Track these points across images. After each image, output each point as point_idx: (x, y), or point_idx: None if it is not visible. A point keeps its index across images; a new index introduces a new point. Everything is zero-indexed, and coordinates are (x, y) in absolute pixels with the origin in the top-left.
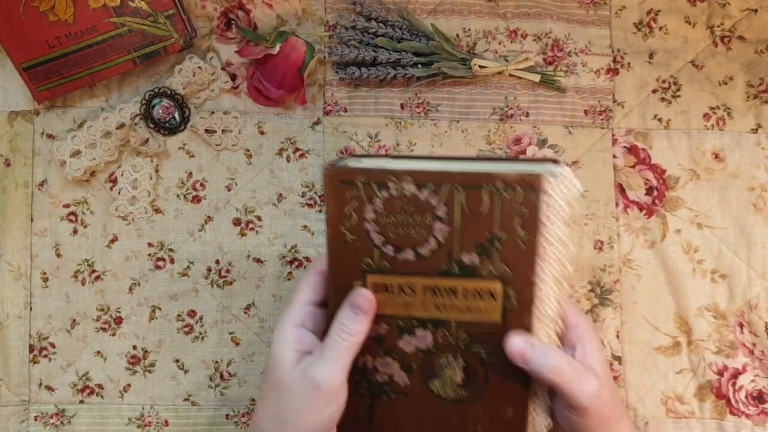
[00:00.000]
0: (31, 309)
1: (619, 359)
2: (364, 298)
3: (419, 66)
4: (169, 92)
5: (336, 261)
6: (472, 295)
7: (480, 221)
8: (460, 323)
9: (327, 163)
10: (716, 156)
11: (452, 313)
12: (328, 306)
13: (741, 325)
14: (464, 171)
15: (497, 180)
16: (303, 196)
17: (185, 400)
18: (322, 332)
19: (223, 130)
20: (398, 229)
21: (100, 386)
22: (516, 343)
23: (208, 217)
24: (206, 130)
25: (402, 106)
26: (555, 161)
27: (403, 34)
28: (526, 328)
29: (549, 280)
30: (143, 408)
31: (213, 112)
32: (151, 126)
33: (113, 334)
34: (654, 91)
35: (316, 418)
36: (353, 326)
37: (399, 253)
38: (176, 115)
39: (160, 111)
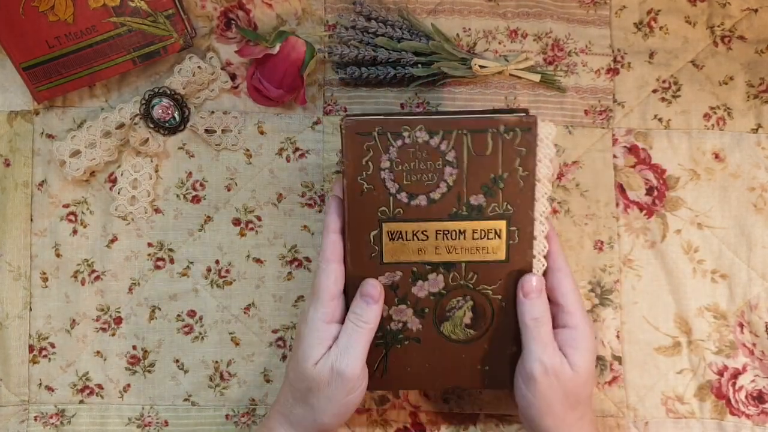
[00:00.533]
0: (30, 309)
1: (619, 359)
2: (373, 287)
3: (419, 66)
4: (168, 92)
5: (353, 212)
6: (479, 235)
7: (485, 163)
8: (469, 264)
9: (344, 116)
10: (716, 156)
11: (462, 255)
12: (345, 258)
13: (741, 325)
14: (470, 118)
15: (500, 124)
16: (303, 196)
17: (185, 400)
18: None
19: (222, 130)
20: (412, 176)
21: (100, 386)
22: (531, 279)
23: (208, 217)
24: (206, 130)
25: (402, 105)
26: (525, 110)
27: (403, 33)
28: (528, 263)
29: (540, 217)
30: (143, 408)
31: (213, 112)
32: (151, 126)
33: (113, 334)
34: (654, 91)
35: (342, 404)
36: (366, 315)
37: (412, 200)
38: (176, 115)
39: (160, 111)
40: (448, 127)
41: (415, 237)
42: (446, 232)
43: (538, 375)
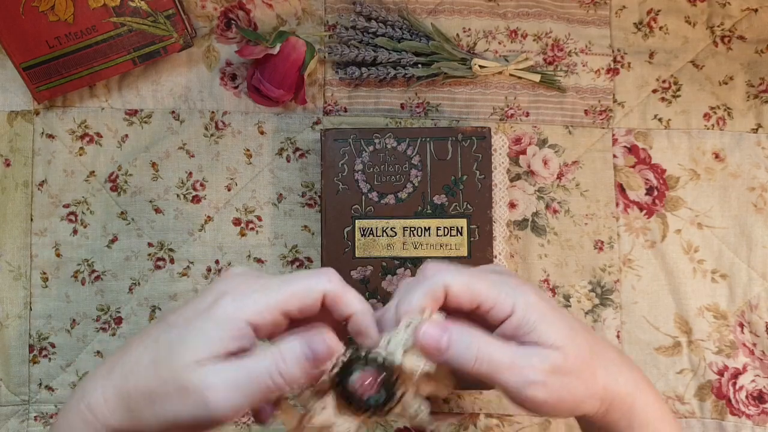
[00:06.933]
0: (30, 309)
1: None
2: (325, 344)
3: (419, 66)
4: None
5: (329, 210)
6: (443, 232)
7: (446, 167)
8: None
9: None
10: (716, 156)
11: (427, 251)
12: (322, 252)
13: (741, 325)
14: (432, 127)
15: (458, 132)
16: (303, 196)
17: None
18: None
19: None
20: (382, 177)
21: None
22: (429, 332)
23: (208, 217)
24: (206, 130)
25: (402, 105)
26: (488, 128)
27: (403, 33)
28: (488, 261)
29: (499, 219)
30: None
31: (213, 112)
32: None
33: (113, 334)
34: (654, 91)
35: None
36: (294, 371)
37: (382, 199)
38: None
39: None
40: (413, 135)
41: (384, 233)
42: (413, 229)
43: (542, 396)
